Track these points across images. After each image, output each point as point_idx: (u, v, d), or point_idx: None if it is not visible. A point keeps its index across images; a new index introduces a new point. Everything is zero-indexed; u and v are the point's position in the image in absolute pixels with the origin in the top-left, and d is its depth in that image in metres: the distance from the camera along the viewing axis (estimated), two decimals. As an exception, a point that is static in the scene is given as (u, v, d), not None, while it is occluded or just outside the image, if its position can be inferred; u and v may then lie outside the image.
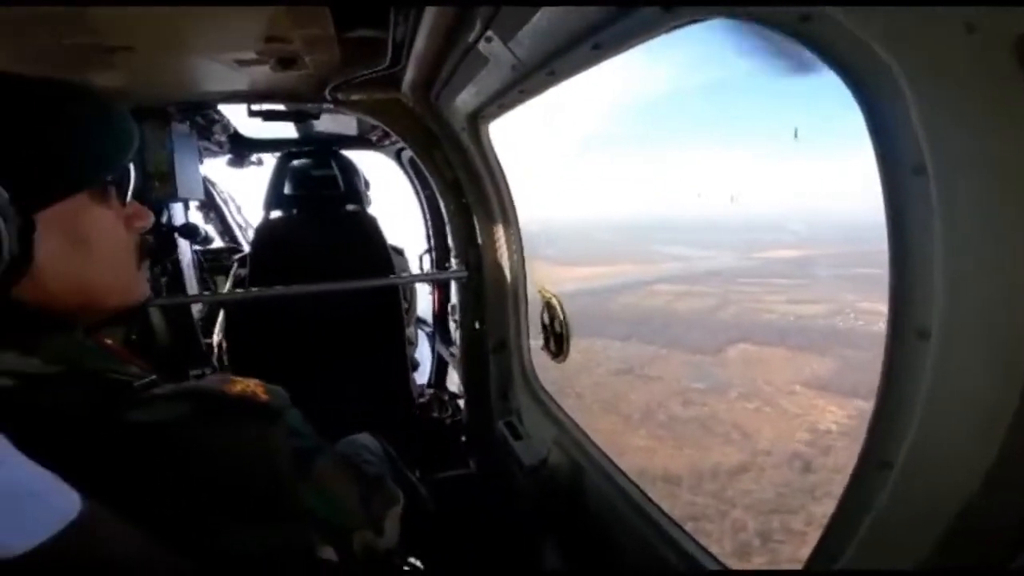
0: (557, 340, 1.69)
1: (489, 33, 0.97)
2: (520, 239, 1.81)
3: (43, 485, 0.45)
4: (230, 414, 0.58)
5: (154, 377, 0.59)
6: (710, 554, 0.97)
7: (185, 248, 1.85)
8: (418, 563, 1.29)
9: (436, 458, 1.97)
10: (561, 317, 1.67)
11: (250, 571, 0.56)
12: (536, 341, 1.79)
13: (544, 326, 1.73)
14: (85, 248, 0.62)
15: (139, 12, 1.02)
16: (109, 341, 0.75)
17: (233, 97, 1.59)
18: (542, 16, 0.85)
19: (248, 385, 0.61)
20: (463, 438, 2.09)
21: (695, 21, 0.69)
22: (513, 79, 1.08)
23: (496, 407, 1.95)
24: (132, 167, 0.68)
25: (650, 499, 1.18)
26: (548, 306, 1.70)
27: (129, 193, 0.68)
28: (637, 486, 1.23)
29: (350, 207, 1.97)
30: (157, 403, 0.55)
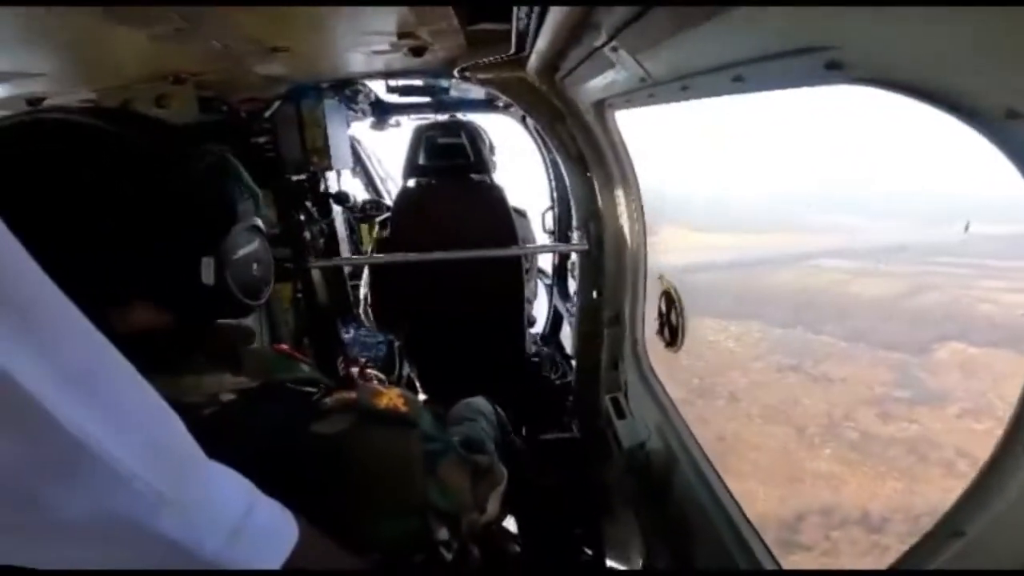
0: (672, 330, 1.64)
1: (615, 44, 0.89)
2: (643, 216, 1.73)
3: (275, 516, 0.51)
4: (380, 425, 0.68)
5: (323, 386, 0.70)
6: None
7: (338, 212, 2.10)
8: (512, 525, 1.44)
9: (542, 418, 2.09)
10: (678, 308, 1.61)
11: (388, 558, 0.68)
12: (651, 326, 1.75)
13: (660, 313, 1.68)
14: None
15: (289, 20, 1.12)
16: (284, 347, 0.91)
17: (374, 75, 1.69)
18: (677, 38, 0.75)
19: (392, 397, 0.72)
20: (571, 399, 2.18)
21: (863, 83, 0.57)
22: (641, 86, 0.98)
23: (605, 379, 1.99)
24: None
25: (742, 511, 1.14)
26: (666, 295, 1.64)
27: None
28: (730, 493, 1.19)
29: (476, 176, 2.03)
30: (331, 416, 0.66)
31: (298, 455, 0.62)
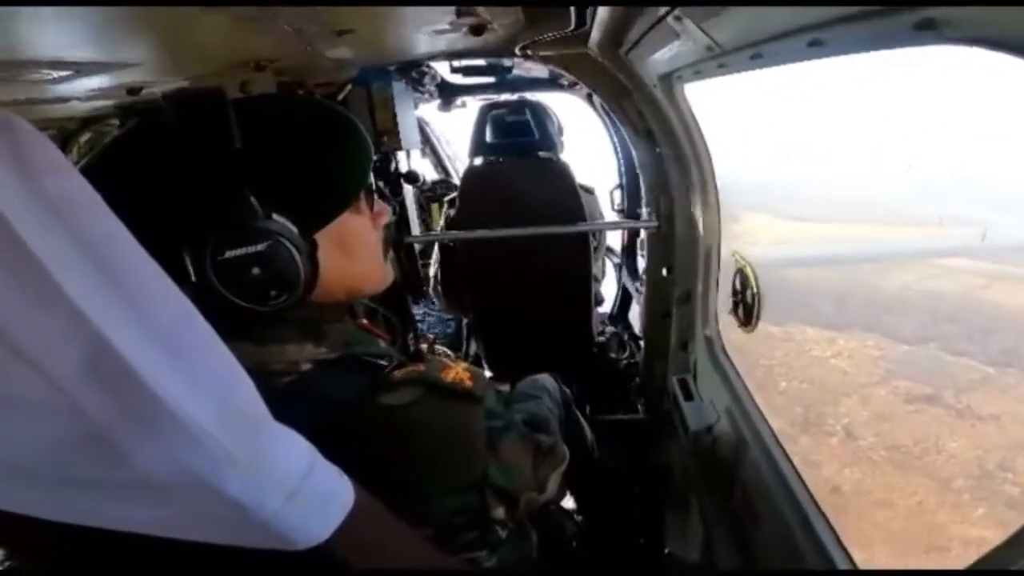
0: (747, 310, 1.56)
1: (678, 12, 0.84)
2: (716, 192, 1.64)
3: (333, 481, 0.51)
4: (444, 398, 0.68)
5: (395, 360, 0.70)
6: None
7: (409, 191, 2.17)
8: (571, 503, 1.45)
9: (608, 399, 2.08)
10: (754, 288, 1.52)
11: (441, 532, 0.68)
12: (724, 305, 1.67)
13: (735, 291, 1.60)
14: (350, 253, 0.72)
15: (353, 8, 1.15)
16: (364, 321, 0.89)
17: (437, 56, 1.71)
18: (743, 4, 0.70)
19: (458, 372, 0.71)
20: (637, 380, 2.15)
21: (960, 43, 0.50)
22: (710, 56, 0.92)
23: (673, 359, 1.93)
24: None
25: (816, 504, 1.06)
26: (741, 274, 1.55)
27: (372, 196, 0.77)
28: (804, 483, 1.11)
29: (543, 154, 2.01)
30: (399, 388, 0.66)
31: (364, 425, 0.63)
